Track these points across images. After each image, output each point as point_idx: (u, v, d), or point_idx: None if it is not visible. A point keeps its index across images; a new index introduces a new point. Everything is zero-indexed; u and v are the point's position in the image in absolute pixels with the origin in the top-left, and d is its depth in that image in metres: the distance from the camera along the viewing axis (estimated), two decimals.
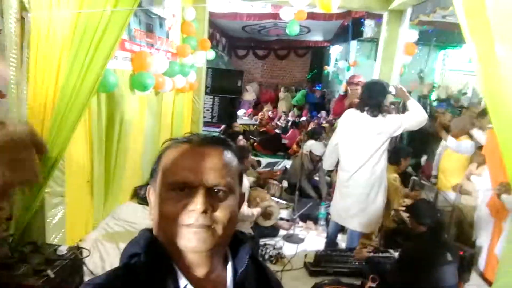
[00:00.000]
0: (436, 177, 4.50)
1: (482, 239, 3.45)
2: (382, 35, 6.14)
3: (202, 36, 6.12)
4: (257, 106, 10.61)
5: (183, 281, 0.69)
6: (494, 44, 2.09)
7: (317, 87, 12.68)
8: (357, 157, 2.98)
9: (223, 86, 7.69)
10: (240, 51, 13.53)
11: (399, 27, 5.79)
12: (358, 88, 3.70)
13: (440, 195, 4.17)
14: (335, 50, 12.18)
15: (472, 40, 2.23)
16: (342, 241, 3.50)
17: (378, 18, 8.85)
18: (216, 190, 0.68)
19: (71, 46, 2.28)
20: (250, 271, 0.77)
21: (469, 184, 3.80)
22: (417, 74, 9.47)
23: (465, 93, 9.51)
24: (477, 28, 2.19)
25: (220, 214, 0.68)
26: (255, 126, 7.64)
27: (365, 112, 2.95)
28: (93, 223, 3.44)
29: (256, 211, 3.41)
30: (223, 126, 8.16)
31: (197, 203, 0.65)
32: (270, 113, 9.36)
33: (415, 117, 2.95)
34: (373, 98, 2.94)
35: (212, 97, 7.68)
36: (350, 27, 9.17)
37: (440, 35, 8.64)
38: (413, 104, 3.03)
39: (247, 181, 3.46)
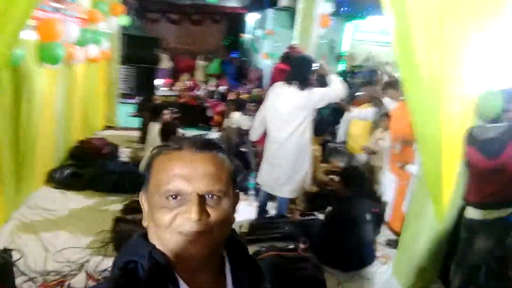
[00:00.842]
0: (345, 142, 4.93)
1: (387, 196, 3.94)
2: (299, 6, 6.30)
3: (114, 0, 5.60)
4: (175, 76, 10.20)
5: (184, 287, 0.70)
6: (410, 20, 2.34)
7: (234, 55, 12.59)
8: (286, 128, 3.12)
9: (139, 55, 7.22)
10: (152, 14, 12.68)
11: None
12: None
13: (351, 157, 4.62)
14: (251, 18, 12.13)
15: (390, 13, 2.46)
16: (271, 208, 3.69)
17: None
18: (210, 196, 0.68)
19: None
20: (248, 272, 0.79)
21: (375, 146, 4.26)
22: (327, 45, 9.97)
23: (360, 66, 10.26)
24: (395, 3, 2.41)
25: (215, 219, 0.68)
26: (174, 97, 7.38)
27: (292, 86, 3.06)
28: (4, 215, 3.09)
29: None
30: (138, 99, 7.73)
31: (192, 211, 0.65)
32: (188, 83, 9.10)
33: (336, 91, 3.18)
34: (302, 73, 3.06)
35: (127, 67, 7.18)
36: None
37: (348, 6, 9.15)
38: (334, 78, 3.25)
39: None
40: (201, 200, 0.67)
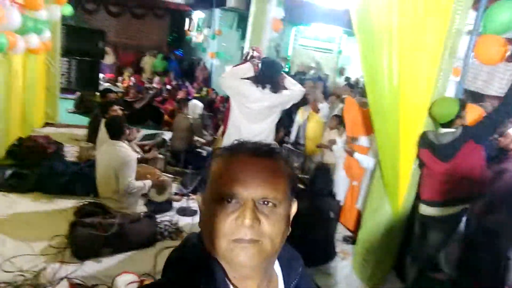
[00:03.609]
0: (303, 145, 5.13)
1: (340, 194, 4.18)
2: (251, 8, 6.38)
3: None
4: (117, 71, 9.70)
5: None
6: (374, 34, 2.53)
7: (177, 52, 12.33)
8: (256, 128, 3.21)
9: (82, 47, 6.73)
10: (89, 5, 11.90)
11: (267, 2, 6.11)
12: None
13: (308, 158, 4.82)
14: (196, 15, 11.98)
15: (357, 27, 2.63)
16: None
17: None
18: (265, 202, 0.67)
19: None
20: (301, 285, 0.77)
21: (328, 143, 4.51)
22: (274, 48, 10.21)
23: (311, 68, 10.80)
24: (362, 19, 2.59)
25: (269, 228, 0.66)
26: (119, 94, 7.02)
27: (265, 88, 3.14)
28: None
29: (148, 182, 3.27)
30: (78, 94, 7.24)
31: (245, 217, 0.64)
32: (132, 79, 8.71)
33: (299, 92, 3.34)
34: (275, 76, 3.17)
35: (68, 59, 6.66)
36: None
37: (293, 12, 9.46)
38: (292, 81, 3.43)
39: (134, 154, 3.25)
40: (256, 206, 0.66)
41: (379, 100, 2.70)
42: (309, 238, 2.97)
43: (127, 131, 3.34)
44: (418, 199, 2.75)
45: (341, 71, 11.28)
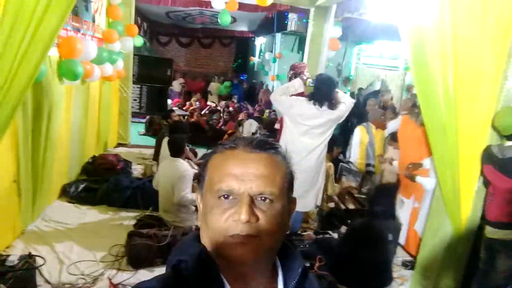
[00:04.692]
0: (373, 165, 4.91)
1: (401, 216, 3.91)
2: (309, 30, 6.45)
3: (129, 21, 5.78)
4: (185, 97, 10.38)
5: None
6: (425, 44, 2.41)
7: (242, 77, 12.82)
8: (311, 144, 3.21)
9: (151, 75, 7.36)
10: (163, 37, 13.03)
11: (324, 23, 6.13)
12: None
13: (366, 178, 4.61)
14: (259, 41, 12.41)
15: (407, 38, 2.53)
16: None
17: (300, 12, 9.25)
18: (262, 198, 0.65)
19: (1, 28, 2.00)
20: (302, 285, 0.74)
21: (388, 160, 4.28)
22: (335, 68, 10.14)
23: (370, 85, 10.44)
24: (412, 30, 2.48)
25: (266, 223, 0.64)
26: (185, 117, 7.48)
27: (324, 106, 3.16)
28: (21, 227, 3.10)
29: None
30: (148, 117, 7.84)
31: (241, 212, 0.63)
32: (197, 103, 9.22)
33: (348, 106, 3.28)
34: (330, 93, 3.19)
35: (139, 86, 7.31)
36: (275, 20, 9.42)
37: (353, 31, 9.35)
38: (343, 94, 3.40)
39: (191, 169, 3.41)
40: (253, 201, 0.64)
41: (435, 115, 2.52)
42: (364, 261, 2.81)
43: (186, 150, 3.54)
44: (484, 220, 2.48)
45: (408, 88, 10.75)
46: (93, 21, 4.64)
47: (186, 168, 3.32)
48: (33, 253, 2.84)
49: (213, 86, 11.75)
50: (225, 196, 0.65)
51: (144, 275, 2.81)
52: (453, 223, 2.62)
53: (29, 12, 2.00)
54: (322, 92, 3.16)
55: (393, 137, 4.35)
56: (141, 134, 7.61)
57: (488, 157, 2.34)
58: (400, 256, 3.54)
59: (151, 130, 7.59)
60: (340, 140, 4.14)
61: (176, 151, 3.34)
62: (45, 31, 2.09)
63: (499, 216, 2.33)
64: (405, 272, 3.26)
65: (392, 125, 4.59)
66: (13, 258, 1.87)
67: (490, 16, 2.23)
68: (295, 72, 4.26)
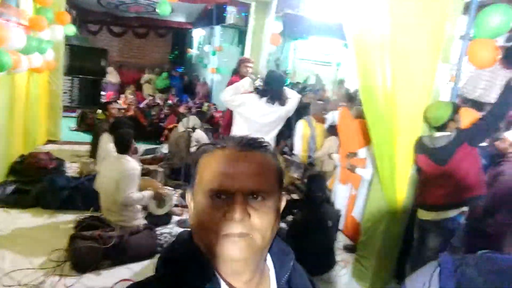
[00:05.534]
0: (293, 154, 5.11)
1: (339, 202, 4.14)
2: (250, 24, 6.51)
3: (60, 8, 5.35)
4: (119, 89, 9.84)
5: None
6: (367, 43, 2.58)
7: (178, 69, 12.50)
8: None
9: (84, 66, 6.88)
10: (92, 26, 12.19)
11: (265, 17, 6.23)
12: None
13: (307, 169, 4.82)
14: (197, 33, 12.19)
15: (350, 37, 2.69)
16: None
17: (239, 6, 9.27)
18: (254, 196, 0.66)
19: None
20: (293, 279, 0.77)
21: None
22: (274, 62, 10.33)
23: (305, 81, 10.85)
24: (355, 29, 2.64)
25: (259, 221, 0.65)
26: (122, 111, 7.12)
27: (276, 102, 3.22)
28: None
29: (147, 194, 3.28)
30: (80, 111, 7.34)
31: (234, 211, 0.63)
32: (132, 96, 8.81)
33: (296, 103, 3.40)
34: (280, 89, 3.27)
35: (70, 78, 6.80)
36: (214, 12, 9.32)
37: (291, 26, 9.60)
38: (290, 90, 3.50)
39: (139, 167, 3.28)
40: (245, 199, 0.65)
41: (375, 108, 2.72)
42: (308, 247, 2.95)
43: (133, 146, 3.39)
44: (417, 204, 2.74)
45: (340, 83, 11.35)
46: (17, 6, 4.21)
47: (134, 166, 3.18)
48: None
49: (147, 78, 11.31)
50: (217, 195, 0.66)
51: (90, 279, 2.68)
52: (390, 207, 2.86)
53: None
54: (273, 89, 3.23)
55: (330, 130, 4.59)
56: (73, 130, 7.11)
57: (420, 147, 2.59)
58: (341, 240, 3.77)
59: (84, 125, 7.13)
60: (285, 133, 4.26)
61: (123, 148, 3.19)
62: None
63: (430, 200, 2.59)
64: (346, 256, 3.48)
65: (331, 117, 4.84)
66: None
67: (425, 16, 2.45)
68: (239, 65, 4.31)
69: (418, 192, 2.70)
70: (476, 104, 6.47)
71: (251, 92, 3.33)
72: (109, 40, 12.54)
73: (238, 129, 3.30)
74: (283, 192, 0.74)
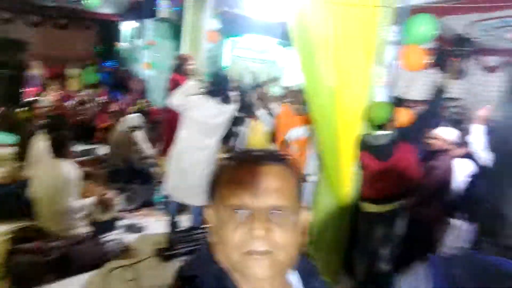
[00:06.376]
0: None
1: None
2: (185, 20, 6.40)
3: None
4: (41, 84, 8.95)
5: None
6: (312, 45, 2.72)
7: (108, 64, 11.77)
8: (209, 142, 3.24)
9: (1, 59, 6.15)
10: (5, 13, 10.93)
11: (200, 14, 6.18)
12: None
13: None
14: (126, 26, 11.60)
15: (296, 37, 2.80)
16: (183, 221, 3.63)
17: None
18: (276, 211, 0.65)
19: None
20: None
21: None
22: (210, 59, 10.25)
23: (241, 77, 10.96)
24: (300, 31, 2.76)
25: (281, 237, 0.64)
26: (49, 108, 6.52)
27: (228, 102, 3.25)
28: None
29: (89, 201, 3.09)
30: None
31: (256, 227, 0.62)
32: (58, 92, 8.11)
33: (238, 101, 3.54)
34: (225, 89, 3.29)
35: None
36: (144, 5, 8.96)
37: (227, 24, 9.61)
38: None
39: (78, 172, 3.07)
40: (266, 216, 0.63)
41: (318, 107, 2.88)
42: None
43: (71, 149, 3.16)
44: (361, 197, 2.96)
45: (275, 80, 11.64)
46: None
47: (73, 171, 2.97)
48: None
49: (72, 73, 10.50)
50: (238, 210, 0.65)
51: None
52: (336, 201, 3.06)
53: None
54: (221, 89, 3.24)
55: None
56: None
57: (363, 144, 2.80)
58: None
59: (4, 124, 6.40)
60: (233, 133, 4.29)
61: (61, 151, 2.95)
62: None
63: (373, 193, 2.82)
64: None
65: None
66: None
67: (360, 21, 2.65)
68: (178, 63, 4.24)
69: (362, 187, 2.92)
70: (399, 100, 7.16)
71: (198, 93, 3.31)
72: (25, 31, 11.34)
73: (187, 132, 3.25)
74: (305, 206, 0.73)
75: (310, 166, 3.74)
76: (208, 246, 0.73)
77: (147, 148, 4.56)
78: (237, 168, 0.69)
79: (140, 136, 4.41)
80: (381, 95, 3.17)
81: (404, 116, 2.93)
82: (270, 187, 0.66)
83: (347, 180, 2.98)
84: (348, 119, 2.85)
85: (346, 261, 3.18)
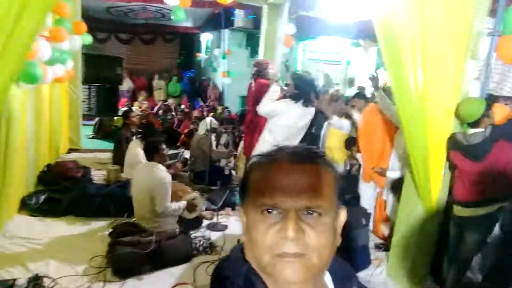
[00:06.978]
0: None
1: (366, 202, 4.17)
2: (262, 27, 6.56)
3: (75, 17, 5.42)
4: (133, 96, 9.94)
5: None
6: (398, 43, 2.62)
7: (188, 74, 12.58)
8: (289, 142, 3.28)
9: (100, 74, 6.98)
10: (100, 34, 12.29)
11: (277, 20, 6.28)
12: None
13: None
14: (205, 37, 12.26)
15: (381, 37, 2.73)
16: None
17: (246, 9, 9.33)
18: (309, 212, 0.61)
19: None
20: None
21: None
22: (283, 63, 10.37)
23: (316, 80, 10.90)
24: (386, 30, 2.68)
25: (314, 240, 0.60)
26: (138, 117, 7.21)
27: (310, 105, 3.34)
28: None
29: (182, 204, 3.35)
30: (97, 119, 7.42)
31: (288, 229, 0.59)
32: (146, 102, 8.91)
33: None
34: (310, 93, 3.35)
35: (87, 86, 6.89)
36: (222, 16, 9.39)
37: (300, 28, 9.64)
38: None
39: (169, 175, 3.33)
40: (300, 216, 0.61)
41: (408, 107, 2.74)
42: (344, 246, 2.98)
43: (163, 154, 3.43)
44: (452, 200, 2.76)
45: (350, 82, 11.37)
46: None
47: (165, 175, 3.23)
48: (5, 275, 2.63)
49: (159, 83, 11.41)
50: (269, 210, 0.62)
51: (133, 284, 2.72)
52: (424, 205, 2.89)
53: (2, 14, 1.83)
54: (305, 92, 3.30)
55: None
56: (90, 137, 7.19)
57: (454, 143, 2.60)
58: (371, 239, 3.79)
59: (101, 132, 7.21)
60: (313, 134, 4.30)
61: (154, 155, 3.24)
62: (22, 33, 1.92)
63: (466, 196, 2.61)
64: (378, 254, 3.50)
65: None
66: (21, 282, 1.72)
67: (453, 15, 2.49)
68: (259, 69, 4.35)
69: (453, 189, 2.72)
70: (490, 97, 6.51)
71: (283, 98, 3.40)
72: (117, 48, 12.64)
73: (271, 136, 3.35)
74: (343, 206, 0.69)
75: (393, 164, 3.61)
76: (242, 247, 0.71)
77: (224, 150, 4.77)
78: (269, 166, 0.66)
79: (216, 139, 4.62)
80: (475, 91, 2.94)
81: (501, 113, 2.67)
82: (304, 187, 0.62)
83: (437, 182, 2.80)
84: (438, 117, 2.68)
85: (434, 268, 2.98)
